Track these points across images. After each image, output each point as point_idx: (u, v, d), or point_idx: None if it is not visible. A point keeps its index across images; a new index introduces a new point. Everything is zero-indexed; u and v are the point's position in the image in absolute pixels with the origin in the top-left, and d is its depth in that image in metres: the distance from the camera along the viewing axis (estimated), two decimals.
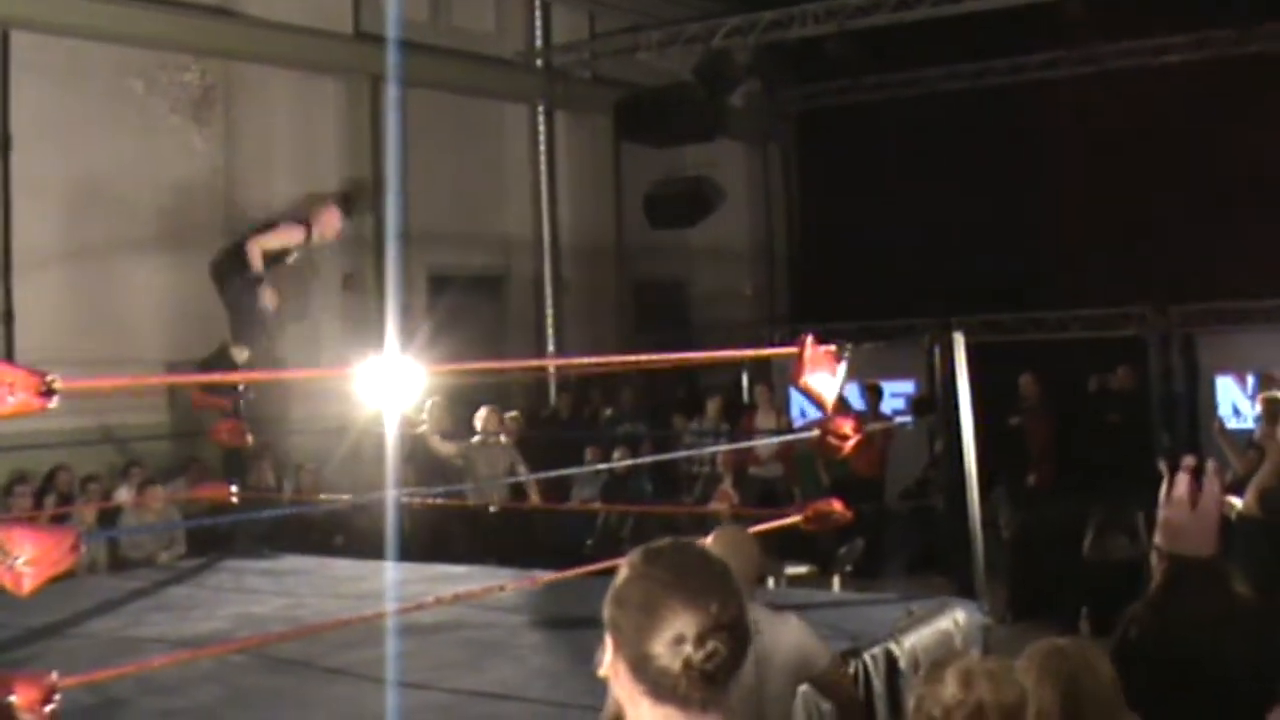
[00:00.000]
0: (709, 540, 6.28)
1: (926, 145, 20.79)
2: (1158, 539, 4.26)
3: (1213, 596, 4.17)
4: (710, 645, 2.50)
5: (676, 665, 2.50)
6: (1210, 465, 4.32)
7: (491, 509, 14.38)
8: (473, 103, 19.84)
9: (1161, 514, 4.24)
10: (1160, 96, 19.14)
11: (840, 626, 8.56)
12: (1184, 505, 4.16)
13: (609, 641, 2.61)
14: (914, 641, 8.52)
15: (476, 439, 14.73)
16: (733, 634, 2.54)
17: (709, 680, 2.51)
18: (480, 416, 14.82)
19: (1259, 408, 9.81)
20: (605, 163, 21.63)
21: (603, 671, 2.63)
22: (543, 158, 20.75)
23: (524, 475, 14.48)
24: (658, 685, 2.53)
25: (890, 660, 8.26)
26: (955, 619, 9.07)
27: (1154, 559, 4.31)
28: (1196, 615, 4.12)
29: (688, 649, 2.49)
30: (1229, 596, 4.29)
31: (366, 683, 7.74)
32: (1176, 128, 18.81)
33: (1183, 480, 4.18)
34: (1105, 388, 16.20)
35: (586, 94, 21.11)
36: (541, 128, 20.77)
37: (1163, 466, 4.24)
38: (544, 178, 20.78)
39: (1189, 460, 4.22)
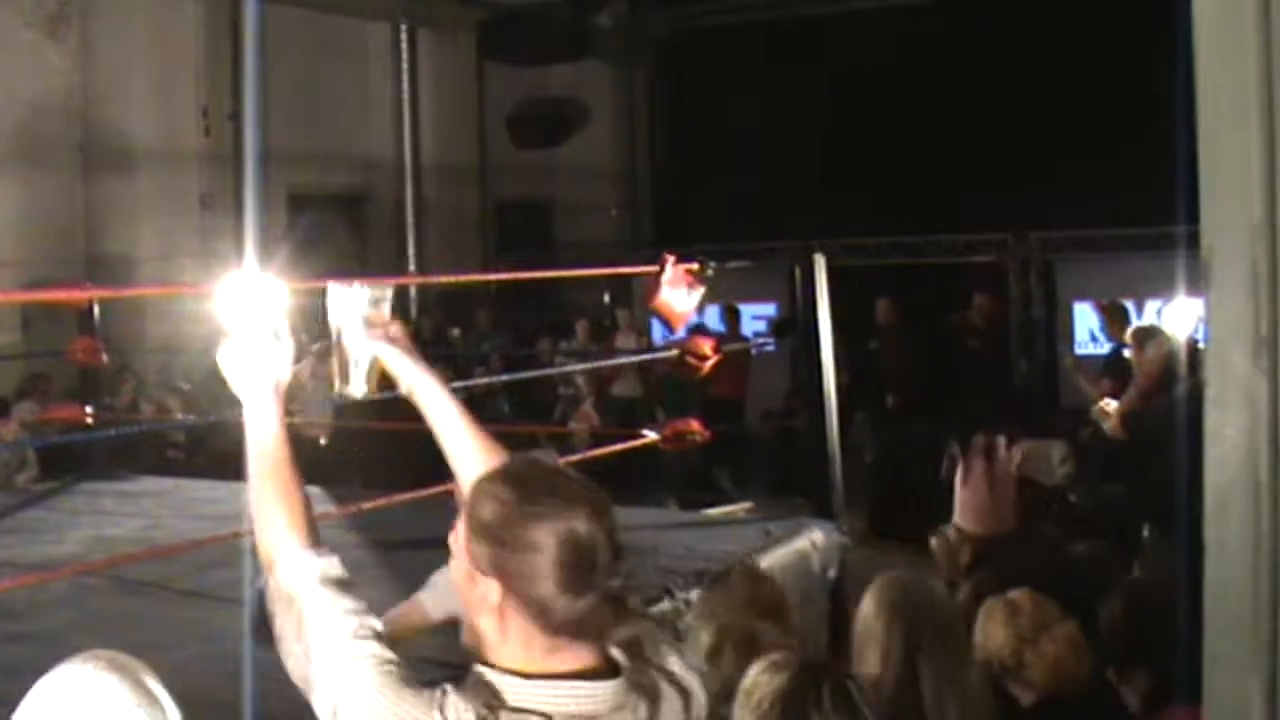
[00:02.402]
0: None
1: (790, 69, 20.77)
2: (958, 520, 4.33)
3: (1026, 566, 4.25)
4: (607, 583, 2.45)
5: (579, 606, 2.42)
6: (1000, 443, 4.39)
7: (322, 441, 14.19)
8: (334, 20, 19.51)
9: (960, 497, 4.30)
10: (1023, 22, 19.24)
11: (697, 548, 8.62)
12: (982, 486, 4.24)
13: (481, 575, 2.49)
14: (770, 562, 8.59)
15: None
16: (619, 555, 2.47)
17: (611, 608, 2.49)
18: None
19: (1130, 339, 9.85)
20: (468, 82, 21.42)
21: (476, 598, 2.51)
22: (405, 77, 20.51)
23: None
24: (559, 624, 2.44)
25: None
26: (813, 540, 9.16)
27: (952, 537, 4.37)
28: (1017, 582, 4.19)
29: (591, 591, 2.43)
30: (1047, 559, 4.42)
31: (224, 604, 7.68)
32: (1036, 53, 18.95)
33: (978, 463, 4.26)
34: (966, 321, 16.30)
35: (450, 12, 20.86)
36: (404, 46, 20.51)
37: (955, 451, 4.32)
38: (406, 97, 20.56)
39: (980, 440, 4.30)
